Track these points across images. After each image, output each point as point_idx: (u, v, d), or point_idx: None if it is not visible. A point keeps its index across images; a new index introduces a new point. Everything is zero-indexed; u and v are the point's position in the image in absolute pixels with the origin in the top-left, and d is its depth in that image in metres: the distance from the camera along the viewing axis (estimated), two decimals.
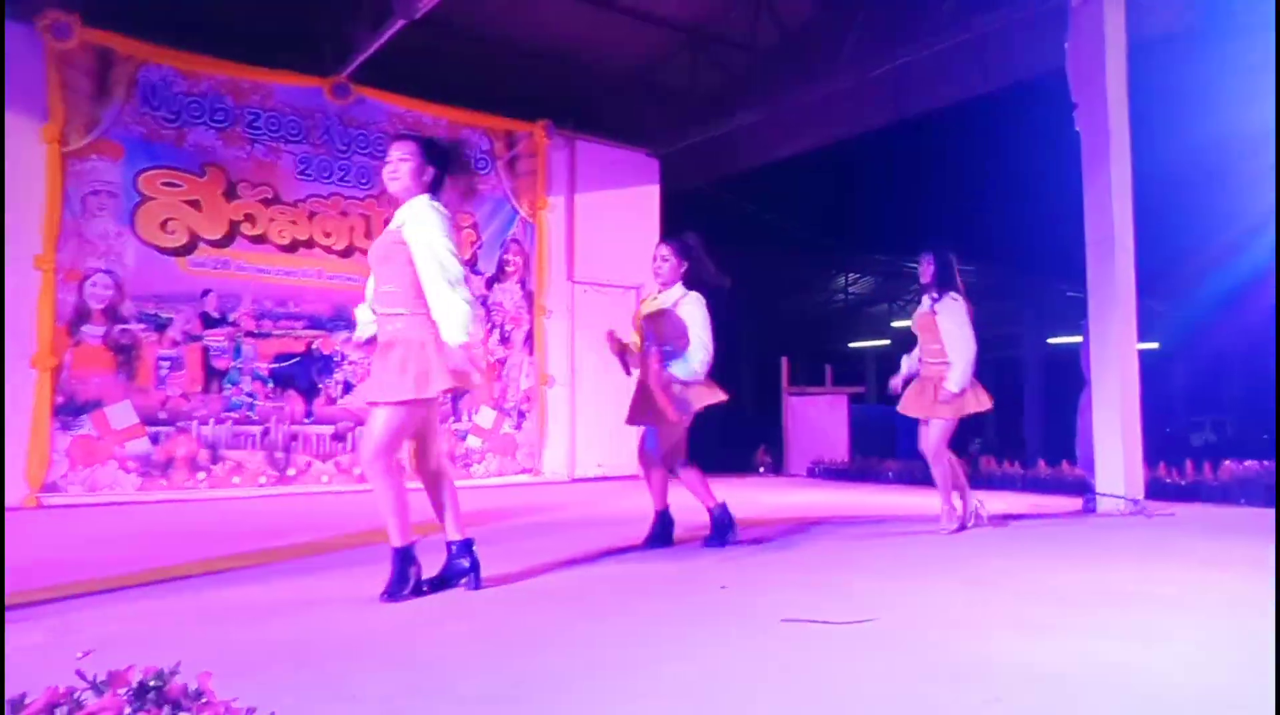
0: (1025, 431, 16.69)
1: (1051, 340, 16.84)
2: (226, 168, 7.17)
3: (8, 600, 2.99)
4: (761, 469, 10.18)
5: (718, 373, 4.32)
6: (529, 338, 8.80)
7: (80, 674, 1.20)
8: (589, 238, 9.23)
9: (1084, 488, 6.09)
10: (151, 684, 1.18)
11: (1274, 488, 5.82)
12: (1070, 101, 6.04)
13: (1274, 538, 4.04)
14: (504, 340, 8.64)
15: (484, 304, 8.53)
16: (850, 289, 19.57)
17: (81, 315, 6.49)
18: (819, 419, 9.89)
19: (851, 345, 20.16)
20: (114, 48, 6.65)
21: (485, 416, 8.45)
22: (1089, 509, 5.83)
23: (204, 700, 1.20)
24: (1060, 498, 6.56)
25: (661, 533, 4.31)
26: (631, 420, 4.29)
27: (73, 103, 6.47)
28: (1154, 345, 7.64)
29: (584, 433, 8.86)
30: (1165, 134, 6.15)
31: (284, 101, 7.43)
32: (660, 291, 4.34)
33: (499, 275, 8.68)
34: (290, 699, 1.90)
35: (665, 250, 4.34)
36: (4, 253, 6.03)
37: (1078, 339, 6.26)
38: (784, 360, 10.43)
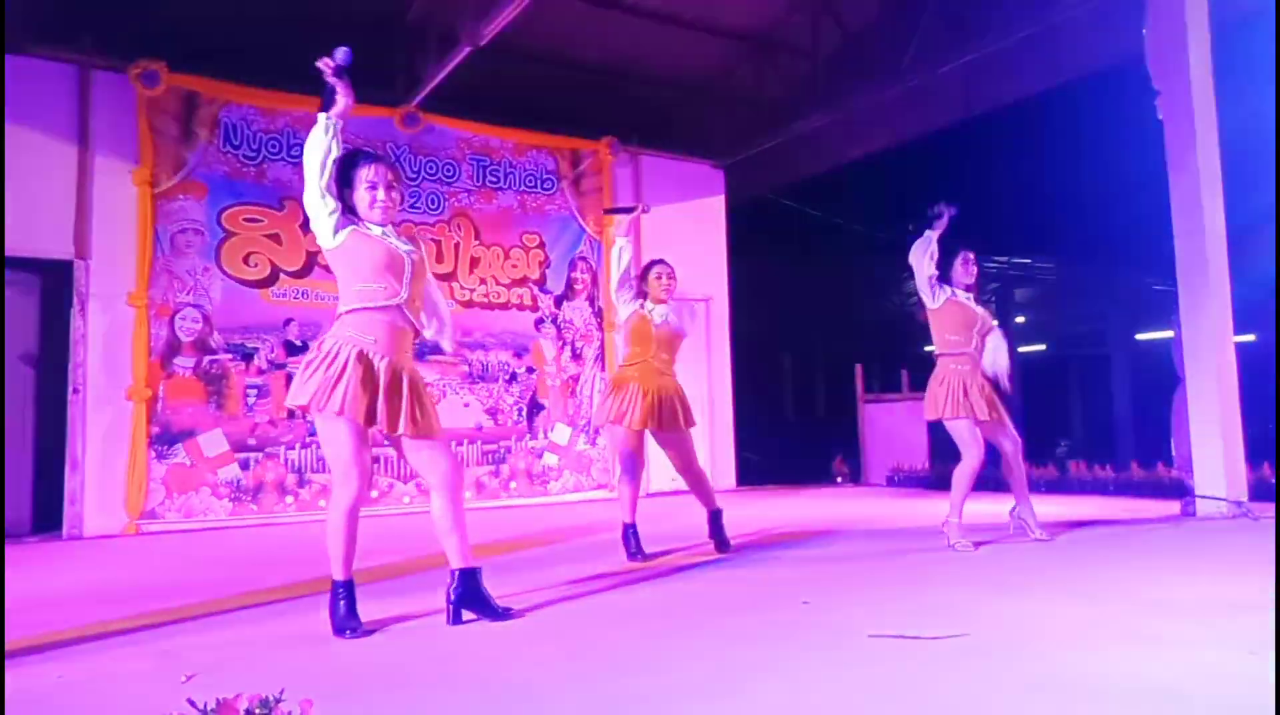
0: (1115, 432, 16.07)
1: (1140, 336, 16.20)
2: (303, 201, 7.39)
3: (114, 626, 3.11)
4: (839, 479, 10.02)
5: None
6: (600, 354, 8.85)
7: (191, 702, 1.24)
8: (655, 252, 9.20)
9: (1181, 490, 5.82)
10: (258, 711, 1.21)
11: None
12: (1151, 89, 5.83)
13: None
14: (576, 357, 8.71)
15: (554, 322, 8.62)
16: None
17: (173, 348, 6.77)
18: (897, 426, 9.68)
19: (928, 349, 19.72)
20: (198, 90, 6.95)
21: (561, 433, 8.51)
22: (1188, 512, 5.57)
23: None
24: (1156, 501, 6.29)
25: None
26: (668, 426, 4.49)
27: (161, 146, 6.78)
28: (1250, 337, 7.26)
29: (656, 447, 8.80)
30: (1250, 111, 5.88)
31: (356, 133, 7.64)
32: (661, 307, 4.65)
33: (568, 293, 8.75)
34: None
35: (670, 269, 4.72)
36: (4, 267, 6.19)
37: (1169, 334, 6.00)
38: (858, 367, 10.26)
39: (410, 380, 2.98)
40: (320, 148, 2.94)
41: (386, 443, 3.07)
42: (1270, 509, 5.47)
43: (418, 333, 3.08)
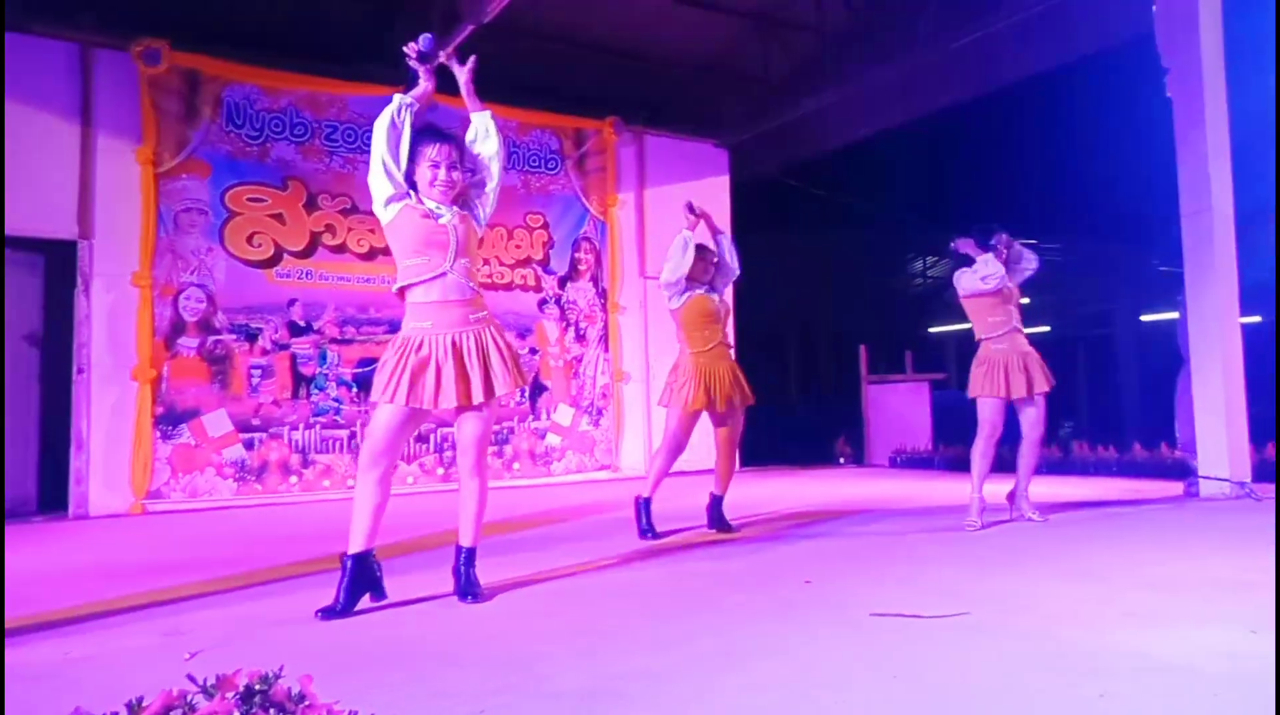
0: (1120, 413, 16.05)
1: (1146, 317, 16.15)
2: (306, 180, 7.38)
3: (120, 604, 3.13)
4: (842, 460, 10.03)
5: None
6: (604, 335, 8.84)
7: (191, 678, 1.24)
8: (660, 233, 9.20)
9: (1184, 471, 5.82)
10: (258, 688, 1.21)
11: None
12: (1161, 66, 5.77)
13: None
14: (579, 338, 8.70)
15: (558, 303, 8.61)
16: (928, 272, 19.09)
17: (177, 328, 6.77)
18: (900, 407, 9.68)
19: (932, 330, 19.72)
20: (200, 69, 6.91)
21: (564, 414, 8.52)
22: (1191, 493, 5.58)
23: (307, 703, 1.23)
24: (1159, 482, 6.29)
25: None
26: (728, 406, 4.57)
27: (164, 125, 6.75)
28: (1256, 318, 7.19)
29: (660, 428, 8.83)
30: (1261, 91, 5.83)
31: (359, 112, 7.60)
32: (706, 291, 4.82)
33: (572, 274, 8.73)
34: (387, 698, 1.95)
35: (712, 254, 4.87)
36: (4, 256, 6.13)
37: (1174, 315, 5.98)
38: (862, 348, 10.24)
39: (475, 346, 2.98)
40: (386, 125, 2.98)
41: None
42: (1273, 489, 5.46)
43: (475, 297, 3.04)
